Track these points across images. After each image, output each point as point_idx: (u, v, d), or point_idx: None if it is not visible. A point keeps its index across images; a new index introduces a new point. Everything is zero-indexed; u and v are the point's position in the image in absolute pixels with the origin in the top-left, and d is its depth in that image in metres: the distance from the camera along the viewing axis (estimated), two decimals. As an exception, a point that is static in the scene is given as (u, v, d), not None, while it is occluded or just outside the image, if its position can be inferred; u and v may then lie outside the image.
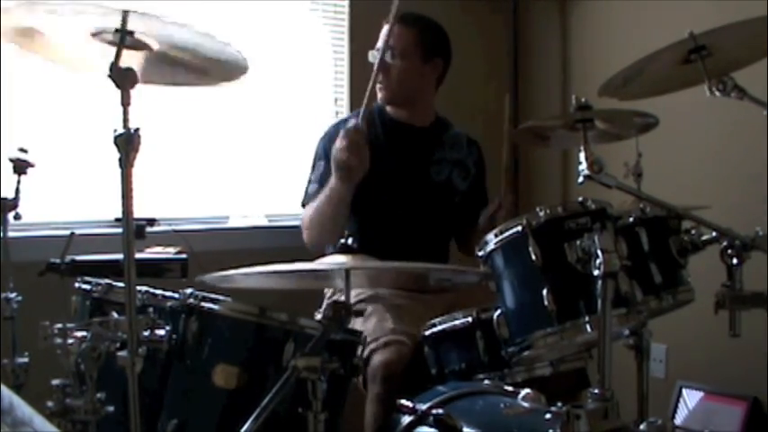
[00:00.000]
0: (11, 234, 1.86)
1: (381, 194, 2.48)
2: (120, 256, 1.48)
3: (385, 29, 2.50)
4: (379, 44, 2.51)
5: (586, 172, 1.61)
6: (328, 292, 2.44)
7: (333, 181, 2.35)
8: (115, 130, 1.44)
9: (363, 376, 2.11)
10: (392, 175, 2.51)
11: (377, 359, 2.11)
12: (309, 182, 2.54)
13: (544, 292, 1.69)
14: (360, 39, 3.05)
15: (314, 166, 2.55)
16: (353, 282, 1.77)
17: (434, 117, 2.66)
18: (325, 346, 1.61)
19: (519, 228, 1.75)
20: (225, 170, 2.91)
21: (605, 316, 1.49)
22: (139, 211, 1.50)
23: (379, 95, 2.54)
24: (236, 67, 1.63)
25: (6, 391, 1.16)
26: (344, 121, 2.69)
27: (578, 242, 1.61)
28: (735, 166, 2.79)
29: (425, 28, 2.56)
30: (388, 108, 2.58)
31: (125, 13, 1.42)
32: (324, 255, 2.17)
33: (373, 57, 2.52)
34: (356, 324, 2.16)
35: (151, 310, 1.70)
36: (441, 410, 1.70)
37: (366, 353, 2.11)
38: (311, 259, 1.94)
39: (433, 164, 2.59)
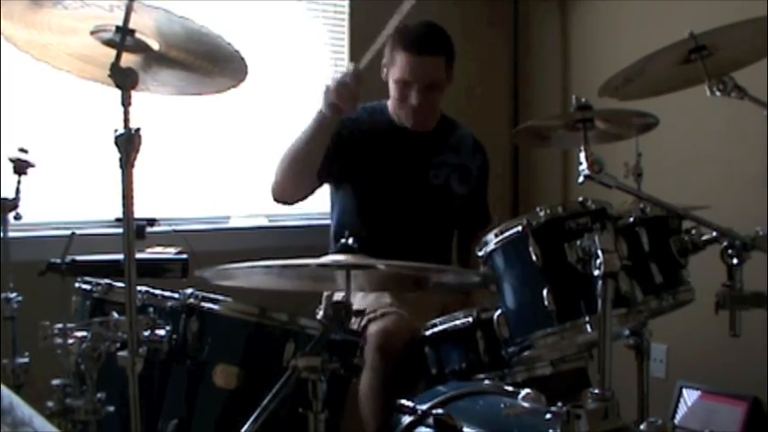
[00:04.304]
0: (11, 234, 1.86)
1: (380, 197, 2.48)
2: (120, 256, 1.47)
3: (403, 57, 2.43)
4: (410, 77, 2.43)
5: (586, 172, 1.61)
6: (327, 292, 2.44)
7: (316, 114, 2.30)
8: (116, 130, 1.44)
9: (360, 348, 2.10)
10: (391, 179, 2.50)
11: (373, 328, 2.11)
12: None
13: (544, 292, 1.70)
14: (359, 39, 3.05)
15: None
16: (354, 282, 1.77)
17: (438, 119, 2.64)
18: (325, 346, 1.61)
19: (519, 228, 1.75)
20: (225, 170, 2.91)
21: (605, 316, 1.49)
22: (140, 211, 1.50)
23: (404, 115, 2.51)
24: (235, 68, 1.63)
25: (6, 392, 1.16)
26: (346, 119, 2.69)
27: (578, 242, 1.61)
28: (735, 166, 2.79)
29: (448, 48, 2.51)
30: (391, 111, 2.57)
31: (129, 6, 1.42)
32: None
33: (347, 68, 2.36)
34: (355, 301, 2.17)
35: (151, 310, 1.70)
36: (441, 410, 1.70)
37: (363, 322, 2.12)
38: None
39: (432, 167, 2.57)
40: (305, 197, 2.51)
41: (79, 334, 1.54)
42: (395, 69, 2.46)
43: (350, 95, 2.24)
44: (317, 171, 2.41)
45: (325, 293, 2.42)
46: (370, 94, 2.68)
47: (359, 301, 2.20)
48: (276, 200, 2.51)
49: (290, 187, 2.46)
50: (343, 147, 2.45)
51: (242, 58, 1.59)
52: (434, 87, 2.48)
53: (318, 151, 2.36)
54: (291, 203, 2.54)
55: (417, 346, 2.11)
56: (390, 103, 2.56)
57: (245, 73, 1.64)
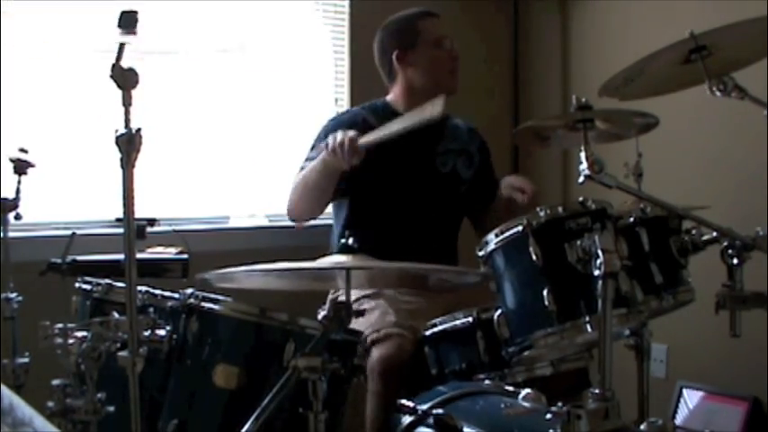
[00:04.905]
0: (11, 234, 1.86)
1: (389, 189, 2.49)
2: (120, 256, 1.47)
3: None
4: (443, 33, 2.57)
5: (587, 172, 1.61)
6: (332, 293, 2.44)
7: (325, 155, 2.34)
8: (116, 131, 1.44)
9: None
10: (399, 170, 2.51)
11: (376, 353, 2.10)
12: (306, 159, 2.54)
13: (544, 292, 1.70)
14: (360, 39, 3.05)
15: (313, 147, 2.55)
16: (354, 282, 1.77)
17: None
18: (325, 346, 1.61)
19: (519, 228, 1.75)
20: (225, 170, 2.91)
21: (606, 316, 1.49)
22: (140, 211, 1.50)
23: (446, 76, 2.57)
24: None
25: (6, 392, 1.16)
26: (348, 111, 2.70)
27: (579, 242, 1.61)
28: (735, 166, 2.79)
29: None
30: (393, 102, 2.59)
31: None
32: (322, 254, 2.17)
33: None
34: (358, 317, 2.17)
35: (152, 310, 1.70)
36: (441, 410, 1.70)
37: (367, 344, 2.11)
38: (312, 259, 1.94)
39: (438, 155, 2.60)
40: (320, 214, 2.59)
41: (79, 334, 1.53)
42: (426, 36, 2.55)
43: (349, 153, 2.26)
44: (330, 195, 2.48)
45: (330, 296, 2.43)
46: (369, 93, 2.69)
47: (362, 320, 2.20)
48: (292, 220, 2.61)
49: (306, 211, 2.54)
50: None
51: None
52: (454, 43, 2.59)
53: (330, 183, 2.42)
54: (307, 221, 2.62)
55: (420, 357, 2.12)
56: (427, 77, 2.56)
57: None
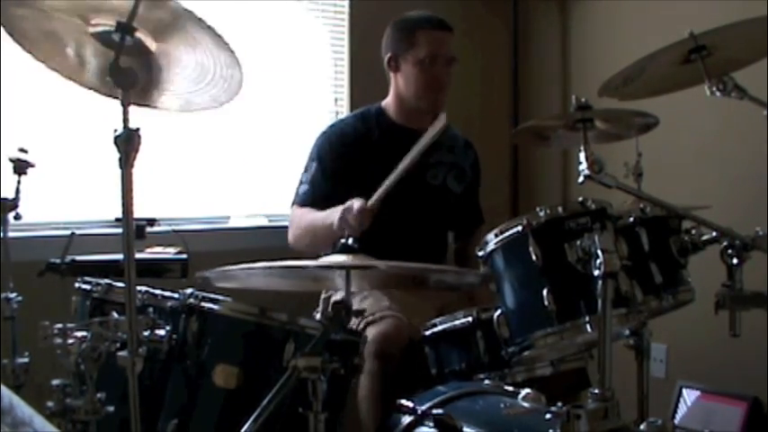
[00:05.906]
0: (11, 234, 1.86)
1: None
2: (120, 256, 1.47)
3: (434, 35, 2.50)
4: (441, 51, 2.49)
5: (586, 172, 1.61)
6: (324, 293, 2.44)
7: (334, 224, 2.28)
8: (115, 130, 1.44)
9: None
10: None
11: (371, 332, 2.10)
12: (301, 183, 2.54)
13: (544, 292, 1.70)
14: (360, 39, 3.05)
15: (306, 168, 2.55)
16: (353, 283, 1.77)
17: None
18: (325, 346, 1.61)
19: (519, 228, 1.75)
20: (225, 170, 2.91)
21: (605, 316, 1.49)
22: (139, 211, 1.50)
23: (428, 97, 2.51)
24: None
25: (6, 391, 1.16)
26: (340, 121, 2.69)
27: (578, 242, 1.61)
28: (735, 166, 2.79)
29: None
30: (389, 111, 2.58)
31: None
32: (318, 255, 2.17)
33: None
34: (354, 302, 2.17)
35: (151, 310, 1.70)
36: (441, 410, 1.70)
37: (361, 325, 2.11)
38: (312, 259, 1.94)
39: (429, 167, 2.58)
40: None
41: (79, 334, 1.53)
42: (419, 50, 2.48)
43: (360, 226, 2.23)
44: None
45: (323, 295, 2.42)
46: (368, 93, 2.69)
47: (357, 302, 2.20)
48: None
49: (311, 252, 2.42)
50: (340, 163, 2.49)
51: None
52: (453, 63, 2.53)
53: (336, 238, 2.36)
54: None
55: (416, 348, 2.12)
56: (409, 91, 2.53)
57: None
